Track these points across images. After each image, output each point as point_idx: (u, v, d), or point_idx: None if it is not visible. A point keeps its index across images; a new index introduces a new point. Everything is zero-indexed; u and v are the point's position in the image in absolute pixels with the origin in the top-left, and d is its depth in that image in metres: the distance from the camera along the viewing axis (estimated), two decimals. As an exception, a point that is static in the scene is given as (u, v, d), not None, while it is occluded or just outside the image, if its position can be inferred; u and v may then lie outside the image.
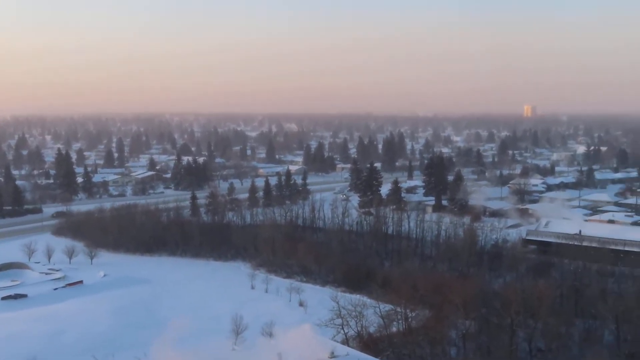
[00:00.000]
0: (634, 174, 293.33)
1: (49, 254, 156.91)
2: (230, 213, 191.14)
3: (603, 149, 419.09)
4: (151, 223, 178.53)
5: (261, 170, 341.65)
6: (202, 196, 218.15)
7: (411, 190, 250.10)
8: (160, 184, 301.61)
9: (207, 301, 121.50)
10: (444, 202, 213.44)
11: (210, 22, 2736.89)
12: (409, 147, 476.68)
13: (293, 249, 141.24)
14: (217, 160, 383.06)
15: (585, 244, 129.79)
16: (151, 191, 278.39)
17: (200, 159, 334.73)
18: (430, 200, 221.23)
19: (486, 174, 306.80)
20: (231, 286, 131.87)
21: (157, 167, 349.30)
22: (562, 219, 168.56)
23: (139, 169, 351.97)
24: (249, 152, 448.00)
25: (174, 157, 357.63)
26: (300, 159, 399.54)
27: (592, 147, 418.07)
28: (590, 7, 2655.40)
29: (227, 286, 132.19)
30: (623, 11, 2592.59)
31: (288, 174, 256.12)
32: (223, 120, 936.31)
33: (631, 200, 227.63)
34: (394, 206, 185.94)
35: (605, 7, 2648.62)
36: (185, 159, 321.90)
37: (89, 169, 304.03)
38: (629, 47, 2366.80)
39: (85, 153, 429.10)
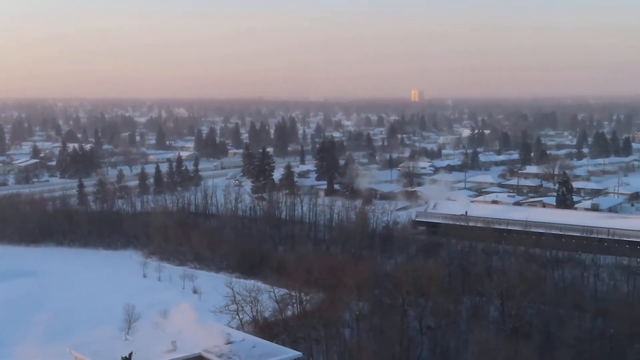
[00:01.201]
0: (516, 156, 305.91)
1: None
2: (120, 201, 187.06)
3: (487, 132, 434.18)
4: (36, 212, 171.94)
5: (151, 157, 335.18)
6: (90, 184, 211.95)
7: (303, 174, 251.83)
8: (45, 172, 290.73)
9: (98, 291, 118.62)
10: (336, 186, 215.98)
11: (99, 5, 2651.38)
12: (300, 131, 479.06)
13: (186, 236, 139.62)
14: (105, 147, 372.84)
15: (471, 224, 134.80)
16: (35, 180, 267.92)
17: (87, 146, 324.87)
18: (323, 185, 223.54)
19: (376, 157, 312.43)
20: (122, 275, 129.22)
21: (42, 155, 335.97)
22: (449, 200, 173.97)
23: (22, 157, 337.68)
24: (138, 138, 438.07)
25: (59, 144, 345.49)
26: (191, 145, 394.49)
27: (476, 131, 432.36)
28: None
29: (118, 275, 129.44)
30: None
31: (179, 160, 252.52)
32: (110, 105, 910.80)
33: (513, 181, 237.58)
34: (287, 191, 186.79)
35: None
36: (71, 146, 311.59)
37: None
38: (512, 32, 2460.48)
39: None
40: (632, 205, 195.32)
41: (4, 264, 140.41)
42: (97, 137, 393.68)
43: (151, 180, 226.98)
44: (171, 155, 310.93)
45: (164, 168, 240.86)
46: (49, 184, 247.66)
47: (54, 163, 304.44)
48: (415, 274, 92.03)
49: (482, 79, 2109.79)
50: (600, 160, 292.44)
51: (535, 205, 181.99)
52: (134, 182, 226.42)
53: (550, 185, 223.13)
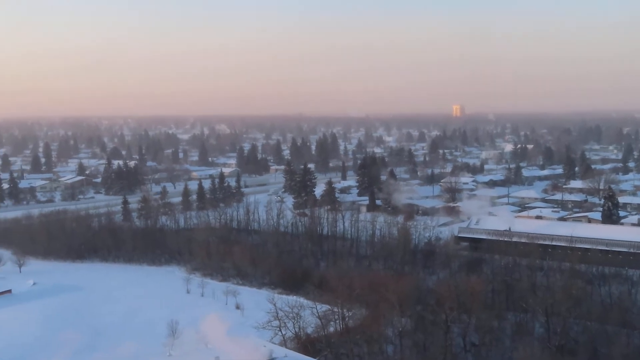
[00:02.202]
0: (559, 170, 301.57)
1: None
2: (164, 217, 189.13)
3: (529, 147, 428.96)
4: (82, 229, 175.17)
5: (194, 173, 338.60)
6: (134, 201, 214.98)
7: (345, 190, 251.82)
8: (90, 189, 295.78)
9: (142, 307, 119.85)
10: (378, 202, 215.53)
11: (136, 22, 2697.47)
12: (341, 147, 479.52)
13: (228, 252, 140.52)
14: (149, 163, 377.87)
15: (514, 239, 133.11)
16: (81, 196, 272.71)
17: (132, 163, 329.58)
18: (364, 200, 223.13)
19: (418, 173, 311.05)
20: (166, 291, 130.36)
21: (87, 172, 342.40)
22: (492, 215, 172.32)
23: (68, 174, 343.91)
24: (181, 155, 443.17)
25: (104, 161, 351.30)
26: (233, 161, 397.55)
27: (519, 145, 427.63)
28: (517, 6, 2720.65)
29: (161, 291, 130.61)
30: (548, 10, 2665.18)
31: (221, 176, 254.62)
32: (154, 123, 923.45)
33: (557, 196, 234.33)
34: (329, 207, 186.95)
35: (531, 5, 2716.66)
36: (116, 162, 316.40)
37: (15, 174, 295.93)
38: (554, 44, 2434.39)
39: (10, 158, 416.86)
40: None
41: (51, 279, 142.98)
42: (141, 154, 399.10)
43: (194, 196, 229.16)
44: (213, 171, 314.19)
45: (207, 184, 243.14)
46: (94, 201, 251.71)
47: (99, 180, 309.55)
48: (458, 289, 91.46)
49: (524, 93, 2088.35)
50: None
51: (580, 221, 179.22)
52: (178, 199, 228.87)
53: (596, 200, 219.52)
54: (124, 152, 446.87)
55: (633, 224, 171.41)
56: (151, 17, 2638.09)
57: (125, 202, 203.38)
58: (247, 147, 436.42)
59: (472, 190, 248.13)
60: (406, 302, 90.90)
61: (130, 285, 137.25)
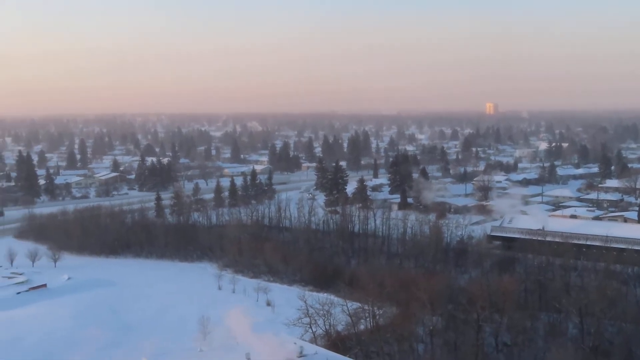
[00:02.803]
0: (595, 169, 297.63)
1: (11, 258, 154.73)
2: (196, 214, 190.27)
3: (564, 145, 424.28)
4: (115, 225, 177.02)
5: (226, 170, 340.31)
6: (167, 197, 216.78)
7: (377, 188, 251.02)
8: (124, 185, 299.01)
9: (174, 303, 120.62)
10: (410, 200, 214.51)
11: (169, 21, 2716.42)
12: (373, 145, 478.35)
13: (260, 249, 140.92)
14: (182, 160, 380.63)
15: (548, 239, 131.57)
16: (115, 192, 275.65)
17: (165, 160, 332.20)
18: (396, 198, 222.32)
19: (450, 171, 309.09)
20: (198, 287, 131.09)
21: (121, 168, 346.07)
22: (525, 214, 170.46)
23: (102, 170, 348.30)
24: (213, 152, 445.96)
25: (137, 158, 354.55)
26: (265, 159, 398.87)
27: (553, 144, 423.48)
28: (551, 5, 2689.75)
29: (193, 287, 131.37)
30: (581, 8, 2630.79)
31: (253, 173, 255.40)
32: (187, 120, 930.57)
33: (592, 195, 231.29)
34: (360, 204, 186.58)
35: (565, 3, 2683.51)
36: (149, 159, 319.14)
37: (51, 170, 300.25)
38: (588, 41, 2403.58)
39: (46, 155, 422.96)
40: None
41: (85, 273, 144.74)
42: (174, 151, 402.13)
43: (226, 193, 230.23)
44: (246, 169, 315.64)
45: (239, 181, 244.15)
46: (127, 197, 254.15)
47: (132, 176, 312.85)
48: (490, 289, 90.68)
49: (558, 90, 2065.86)
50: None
51: (616, 220, 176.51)
52: (210, 195, 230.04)
53: (632, 199, 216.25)
54: (157, 149, 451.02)
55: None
56: (181, 16, 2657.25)
57: (158, 199, 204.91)
58: (279, 144, 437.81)
59: (505, 188, 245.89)
60: (437, 300, 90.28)
61: (162, 281, 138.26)
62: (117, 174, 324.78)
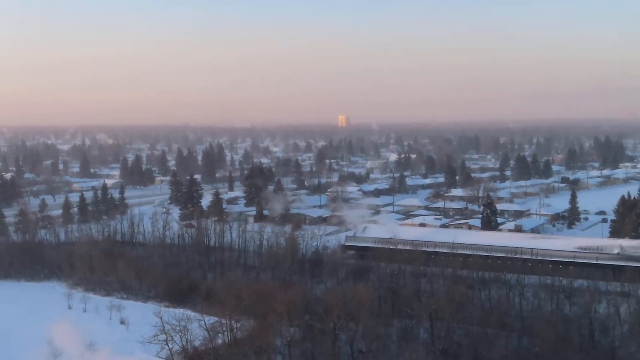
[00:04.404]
0: (441, 179, 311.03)
1: None
2: (43, 231, 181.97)
3: (412, 156, 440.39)
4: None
5: (75, 185, 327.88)
6: (11, 214, 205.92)
7: (232, 201, 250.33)
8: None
9: (20, 325, 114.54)
10: (265, 212, 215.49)
11: (9, 29, 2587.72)
12: (228, 158, 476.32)
13: (112, 266, 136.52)
14: (27, 175, 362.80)
15: (399, 247, 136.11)
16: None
17: (8, 175, 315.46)
18: (252, 211, 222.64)
19: (305, 182, 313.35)
20: (46, 307, 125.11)
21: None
22: (377, 224, 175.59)
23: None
24: (61, 166, 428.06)
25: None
26: (117, 173, 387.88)
27: (402, 155, 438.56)
28: (397, 18, 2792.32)
29: (41, 308, 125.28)
30: (421, 20, 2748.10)
31: (104, 188, 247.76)
32: (31, 133, 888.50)
33: (439, 204, 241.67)
34: (216, 218, 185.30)
35: (407, 17, 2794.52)
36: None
37: None
38: (428, 55, 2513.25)
39: None
40: (554, 226, 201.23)
41: None
42: (18, 165, 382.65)
43: (75, 209, 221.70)
44: (96, 183, 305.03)
45: (89, 196, 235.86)
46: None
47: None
48: (345, 298, 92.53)
49: (406, 103, 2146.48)
50: (522, 183, 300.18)
51: (461, 227, 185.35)
52: (58, 212, 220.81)
53: (475, 207, 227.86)
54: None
55: (510, 230, 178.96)
56: (23, 26, 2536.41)
57: (1, 216, 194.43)
58: (131, 157, 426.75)
59: (357, 199, 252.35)
60: (294, 311, 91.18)
61: (6, 303, 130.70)
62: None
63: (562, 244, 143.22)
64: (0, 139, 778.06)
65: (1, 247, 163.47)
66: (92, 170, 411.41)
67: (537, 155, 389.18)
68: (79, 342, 65.15)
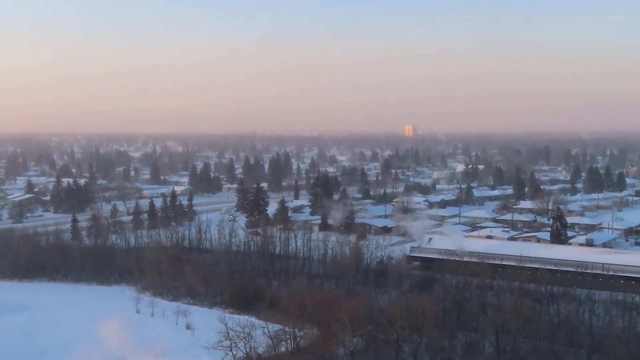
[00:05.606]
0: (509, 191, 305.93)
1: None
2: (114, 236, 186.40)
3: (480, 167, 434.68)
4: (29, 247, 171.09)
5: (145, 192, 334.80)
6: (83, 219, 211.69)
7: (298, 209, 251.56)
8: (39, 207, 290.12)
9: (90, 327, 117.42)
10: (330, 221, 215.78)
11: (83, 39, 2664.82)
12: (294, 166, 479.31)
13: (179, 271, 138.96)
14: (100, 181, 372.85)
15: (465, 259, 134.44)
16: (29, 214, 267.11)
17: (82, 181, 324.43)
18: (317, 219, 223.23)
19: (370, 192, 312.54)
20: (115, 311, 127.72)
21: (36, 190, 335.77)
22: (443, 235, 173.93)
23: (16, 192, 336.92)
24: (132, 173, 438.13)
25: (53, 179, 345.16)
26: (185, 180, 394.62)
27: (470, 166, 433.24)
28: (465, 26, 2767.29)
29: (111, 311, 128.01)
30: (491, 29, 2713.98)
31: (173, 194, 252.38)
32: (105, 140, 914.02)
33: (507, 216, 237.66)
34: (281, 226, 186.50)
35: (479, 27, 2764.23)
36: (66, 180, 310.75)
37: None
38: (499, 70, 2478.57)
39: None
40: (627, 240, 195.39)
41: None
42: (92, 172, 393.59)
43: (145, 215, 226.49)
44: (165, 190, 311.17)
45: (158, 203, 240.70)
46: (42, 219, 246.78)
47: (48, 198, 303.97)
48: (409, 309, 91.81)
49: (474, 113, 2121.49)
50: (594, 195, 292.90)
51: (529, 240, 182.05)
52: (129, 217, 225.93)
53: (545, 220, 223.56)
54: (74, 170, 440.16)
55: (581, 244, 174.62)
56: (97, 34, 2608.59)
57: (75, 221, 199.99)
58: (199, 165, 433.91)
59: (423, 210, 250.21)
60: (358, 321, 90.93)
61: (78, 305, 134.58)
62: (32, 195, 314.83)
63: (636, 259, 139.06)
64: (75, 146, 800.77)
65: (74, 251, 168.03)
66: (162, 177, 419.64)
67: (610, 167, 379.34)
68: (128, 343, 66.31)
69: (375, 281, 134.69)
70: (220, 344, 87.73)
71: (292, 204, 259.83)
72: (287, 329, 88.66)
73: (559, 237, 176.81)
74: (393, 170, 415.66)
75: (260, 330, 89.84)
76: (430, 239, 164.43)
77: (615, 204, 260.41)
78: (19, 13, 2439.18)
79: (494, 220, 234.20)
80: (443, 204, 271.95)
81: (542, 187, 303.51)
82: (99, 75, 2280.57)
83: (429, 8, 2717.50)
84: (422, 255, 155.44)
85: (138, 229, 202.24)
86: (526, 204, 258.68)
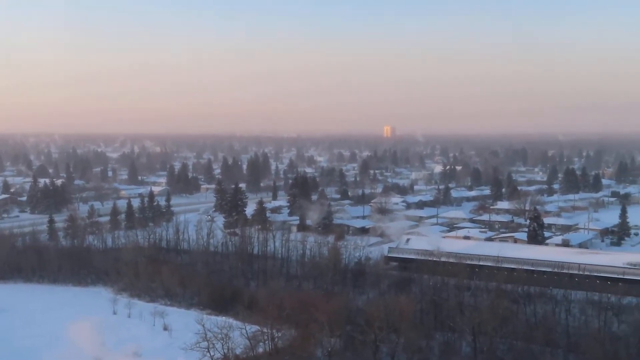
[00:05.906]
0: (487, 191, 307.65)
1: None
2: (91, 236, 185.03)
3: (458, 168, 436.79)
4: (5, 248, 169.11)
5: (123, 192, 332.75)
6: (60, 220, 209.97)
7: (276, 210, 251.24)
8: (15, 208, 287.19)
9: (67, 328, 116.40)
10: (308, 222, 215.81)
11: (62, 40, 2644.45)
12: (273, 167, 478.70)
13: (157, 272, 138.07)
14: (77, 182, 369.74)
15: (443, 259, 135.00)
16: (5, 215, 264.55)
17: (59, 181, 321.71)
18: (295, 220, 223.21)
19: (349, 193, 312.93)
20: (92, 312, 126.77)
21: (12, 190, 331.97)
22: (421, 236, 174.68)
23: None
24: (110, 173, 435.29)
25: (30, 179, 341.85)
26: (163, 180, 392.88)
27: (448, 167, 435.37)
28: (445, 27, 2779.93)
29: (87, 312, 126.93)
30: (473, 31, 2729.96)
31: (151, 195, 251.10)
32: (82, 141, 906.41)
33: (484, 217, 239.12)
34: (259, 226, 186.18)
35: (457, 26, 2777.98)
36: (43, 181, 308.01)
37: None
38: (476, 72, 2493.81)
39: None
40: (603, 240, 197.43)
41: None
42: (69, 172, 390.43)
43: (123, 215, 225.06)
44: (143, 190, 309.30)
45: (136, 203, 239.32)
46: (18, 220, 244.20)
47: (24, 198, 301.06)
48: (387, 309, 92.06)
49: (452, 114, 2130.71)
50: (570, 196, 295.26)
51: (506, 241, 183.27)
52: (106, 218, 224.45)
53: (522, 220, 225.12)
54: (51, 170, 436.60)
55: (557, 245, 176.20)
56: (73, 35, 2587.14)
57: (52, 221, 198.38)
58: (177, 166, 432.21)
59: (401, 210, 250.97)
60: (336, 322, 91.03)
61: (55, 307, 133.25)
62: (8, 195, 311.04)
63: (611, 259, 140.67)
64: (52, 146, 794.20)
65: (51, 252, 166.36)
66: (139, 177, 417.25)
67: (586, 169, 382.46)
68: (102, 344, 66.01)
69: (353, 282, 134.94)
70: (197, 345, 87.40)
71: (271, 204, 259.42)
72: (264, 329, 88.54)
73: (536, 237, 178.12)
74: (371, 171, 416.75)
75: (238, 331, 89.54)
76: (408, 239, 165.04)
77: (591, 204, 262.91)
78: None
79: (472, 220, 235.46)
80: (421, 205, 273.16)
81: (519, 188, 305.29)
82: (75, 76, 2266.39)
83: (402, 9, 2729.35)
84: (400, 255, 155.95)
85: (115, 229, 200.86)
86: (503, 204, 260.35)
